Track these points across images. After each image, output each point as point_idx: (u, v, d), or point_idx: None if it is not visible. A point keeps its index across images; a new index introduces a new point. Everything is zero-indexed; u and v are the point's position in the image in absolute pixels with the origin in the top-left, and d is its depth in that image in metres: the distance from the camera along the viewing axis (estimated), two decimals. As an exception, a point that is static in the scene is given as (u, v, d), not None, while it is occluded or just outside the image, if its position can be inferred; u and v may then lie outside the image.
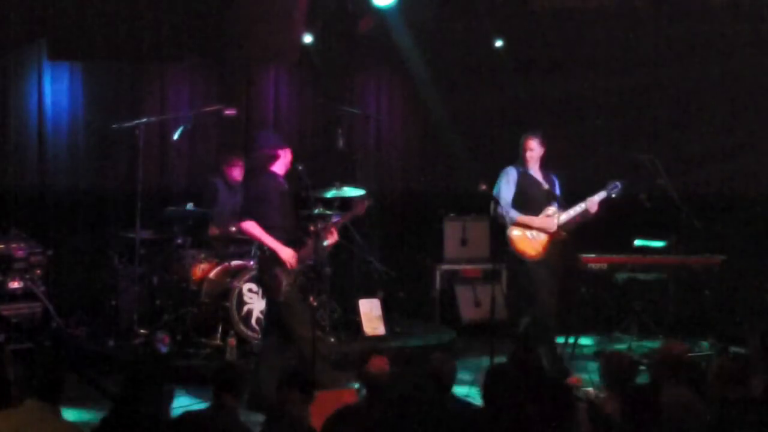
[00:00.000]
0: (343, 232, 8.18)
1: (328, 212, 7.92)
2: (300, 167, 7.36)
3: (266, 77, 9.16)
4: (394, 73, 9.69)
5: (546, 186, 6.91)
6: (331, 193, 7.86)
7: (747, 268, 8.40)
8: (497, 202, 6.81)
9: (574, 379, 6.76)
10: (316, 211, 7.69)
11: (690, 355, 7.40)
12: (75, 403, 5.72)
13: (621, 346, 8.01)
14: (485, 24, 9.10)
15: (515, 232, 6.85)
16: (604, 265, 7.97)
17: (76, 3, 7.68)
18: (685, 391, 4.01)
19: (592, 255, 8.00)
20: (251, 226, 6.08)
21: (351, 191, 7.99)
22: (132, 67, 8.45)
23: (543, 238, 6.85)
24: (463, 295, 9.01)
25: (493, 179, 7.08)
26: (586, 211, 6.93)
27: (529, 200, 6.87)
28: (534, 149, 6.93)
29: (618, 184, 6.97)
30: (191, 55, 8.38)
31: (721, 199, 8.66)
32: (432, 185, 9.56)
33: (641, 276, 8.08)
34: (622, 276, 8.07)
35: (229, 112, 8.00)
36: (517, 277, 6.91)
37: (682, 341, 7.12)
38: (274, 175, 6.26)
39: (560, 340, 7.93)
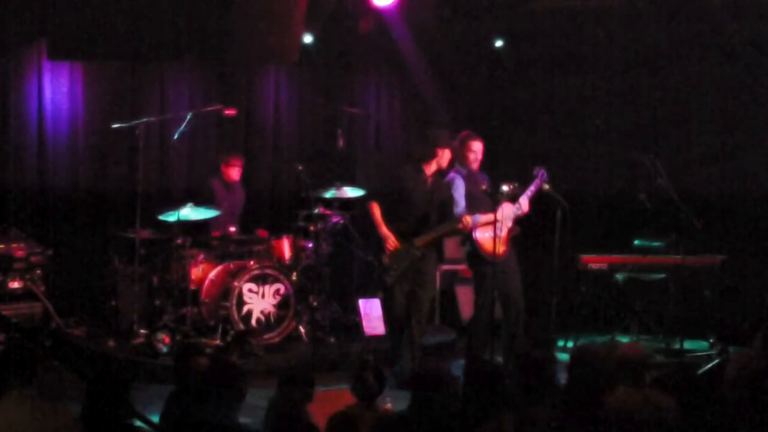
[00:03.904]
0: (343, 232, 8.22)
1: (328, 212, 7.94)
2: (300, 167, 7.43)
3: (266, 77, 9.15)
4: (394, 73, 9.69)
5: (488, 186, 6.91)
6: (331, 193, 7.87)
7: (747, 268, 8.40)
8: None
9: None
10: (316, 211, 7.72)
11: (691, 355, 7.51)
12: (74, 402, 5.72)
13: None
14: (485, 24, 9.10)
15: (479, 234, 6.83)
16: (604, 265, 7.99)
17: (76, 3, 7.68)
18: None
19: (592, 255, 8.01)
20: (373, 208, 6.72)
21: (351, 191, 8.01)
22: (132, 67, 8.44)
23: (503, 236, 6.83)
24: (463, 295, 9.00)
25: (493, 179, 7.07)
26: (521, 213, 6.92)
27: (476, 202, 6.85)
28: (479, 151, 6.94)
29: (543, 170, 6.89)
30: (191, 55, 8.37)
31: (721, 199, 8.66)
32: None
33: (641, 276, 8.09)
34: (622, 276, 8.07)
35: (229, 112, 8.00)
36: (486, 279, 6.85)
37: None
38: (419, 170, 6.71)
39: (560, 342, 7.96)
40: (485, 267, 6.76)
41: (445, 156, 6.76)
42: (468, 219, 6.61)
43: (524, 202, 6.85)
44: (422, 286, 6.75)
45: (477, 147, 6.92)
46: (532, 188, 6.86)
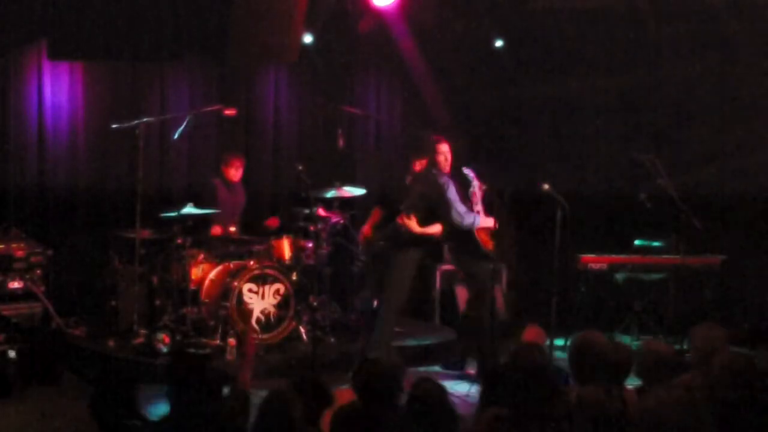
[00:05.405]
0: (343, 232, 8.22)
1: (328, 212, 7.95)
2: (300, 167, 7.45)
3: (266, 77, 9.16)
4: (394, 73, 9.69)
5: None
6: (331, 193, 7.87)
7: (747, 268, 8.40)
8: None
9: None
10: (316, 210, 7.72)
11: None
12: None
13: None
14: (485, 24, 9.11)
15: (480, 232, 6.89)
16: (604, 265, 7.99)
17: (76, 3, 7.68)
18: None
19: (592, 255, 8.01)
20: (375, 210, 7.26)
21: (351, 191, 8.01)
22: (132, 67, 8.44)
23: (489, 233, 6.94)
24: (463, 295, 8.99)
25: (492, 179, 7.08)
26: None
27: (464, 203, 6.93)
28: (446, 153, 6.99)
29: (470, 169, 7.00)
30: (191, 55, 8.38)
31: (721, 199, 8.66)
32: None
33: (641, 276, 8.09)
34: (622, 276, 8.08)
35: (229, 112, 8.00)
36: (482, 274, 6.95)
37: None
38: (405, 167, 7.02)
39: (560, 341, 7.95)
40: (483, 262, 6.85)
41: (420, 162, 6.87)
42: (406, 220, 6.71)
43: (476, 185, 6.94)
44: (389, 281, 6.83)
45: (444, 149, 6.98)
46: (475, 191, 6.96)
